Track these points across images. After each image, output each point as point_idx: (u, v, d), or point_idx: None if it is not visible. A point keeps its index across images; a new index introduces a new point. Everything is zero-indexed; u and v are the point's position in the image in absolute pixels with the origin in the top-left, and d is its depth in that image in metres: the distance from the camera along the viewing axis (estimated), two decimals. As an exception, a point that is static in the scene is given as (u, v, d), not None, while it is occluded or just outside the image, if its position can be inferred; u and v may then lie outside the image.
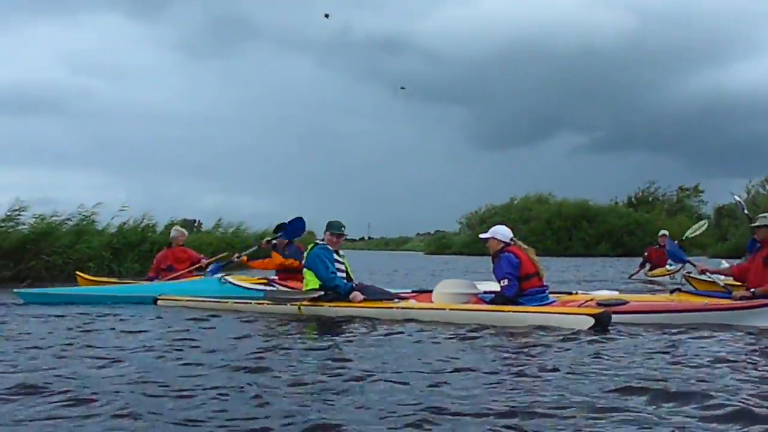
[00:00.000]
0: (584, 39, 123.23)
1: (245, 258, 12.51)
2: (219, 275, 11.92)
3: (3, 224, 17.90)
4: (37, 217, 18.64)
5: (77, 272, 14.90)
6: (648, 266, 19.44)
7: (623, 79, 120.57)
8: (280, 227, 12.54)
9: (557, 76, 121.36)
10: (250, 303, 10.15)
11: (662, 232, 19.59)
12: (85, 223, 20.23)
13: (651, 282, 18.02)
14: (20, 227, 18.20)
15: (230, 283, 11.47)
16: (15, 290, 11.71)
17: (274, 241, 12.38)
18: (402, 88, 28.27)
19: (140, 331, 8.02)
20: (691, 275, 13.58)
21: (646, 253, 19.93)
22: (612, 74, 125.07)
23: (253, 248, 12.87)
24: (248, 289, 11.20)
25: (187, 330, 8.10)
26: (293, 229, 12.45)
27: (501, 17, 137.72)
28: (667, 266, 17.94)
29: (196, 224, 26.95)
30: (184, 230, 14.78)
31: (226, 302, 10.36)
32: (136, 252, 20.29)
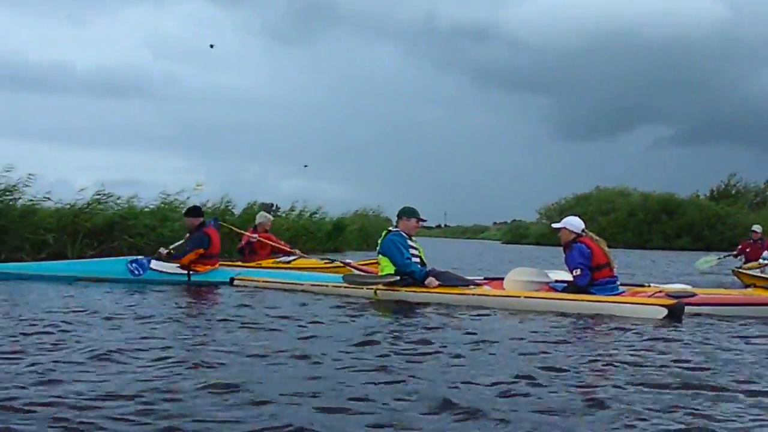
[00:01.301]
0: (674, 29, 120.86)
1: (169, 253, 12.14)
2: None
3: (89, 206, 18.48)
4: (123, 201, 19.21)
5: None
6: (743, 259, 19.09)
7: (713, 71, 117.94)
8: (190, 211, 12.42)
9: (644, 66, 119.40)
10: (327, 285, 10.35)
11: (755, 227, 19.27)
12: (166, 206, 20.72)
13: (741, 275, 17.71)
14: (104, 208, 18.74)
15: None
16: None
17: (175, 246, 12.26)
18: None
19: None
20: None
21: (739, 247, 19.58)
22: (702, 65, 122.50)
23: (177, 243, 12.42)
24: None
25: (264, 308, 8.33)
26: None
27: (590, 6, 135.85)
28: (761, 260, 17.62)
29: (273, 208, 27.28)
30: (270, 216, 15.10)
31: (302, 284, 10.58)
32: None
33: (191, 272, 11.35)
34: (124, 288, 10.26)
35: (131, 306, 8.33)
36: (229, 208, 23.73)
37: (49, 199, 17.67)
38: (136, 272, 11.23)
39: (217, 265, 11.76)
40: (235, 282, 11.11)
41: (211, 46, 24.56)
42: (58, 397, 4.06)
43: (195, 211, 12.26)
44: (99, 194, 18.84)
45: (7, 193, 16.58)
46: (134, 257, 11.76)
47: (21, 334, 6.12)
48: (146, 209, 19.98)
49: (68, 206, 18.13)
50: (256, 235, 14.14)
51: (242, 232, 15.01)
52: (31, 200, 17.05)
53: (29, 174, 16.95)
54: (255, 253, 14.03)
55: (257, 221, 14.63)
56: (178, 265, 11.35)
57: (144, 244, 18.32)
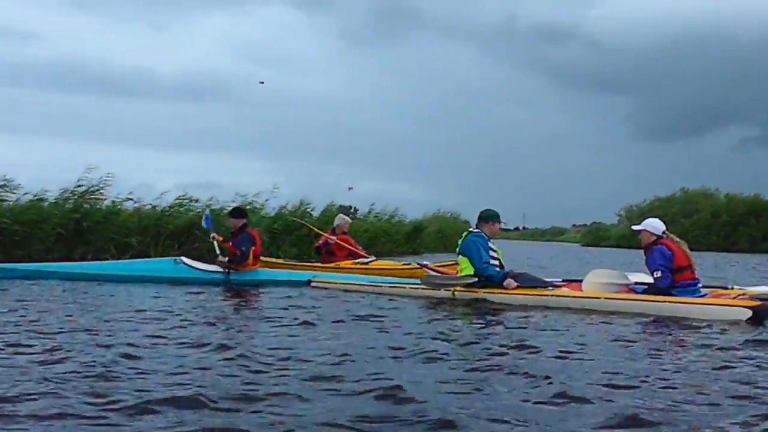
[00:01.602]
0: (761, 26, 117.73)
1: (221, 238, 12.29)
2: None
3: (171, 208, 18.91)
4: (202, 203, 19.58)
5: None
6: None
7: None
8: (234, 212, 12.57)
9: (730, 66, 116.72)
10: (405, 287, 10.41)
11: None
12: (248, 206, 21.07)
13: None
14: (185, 210, 19.15)
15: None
16: None
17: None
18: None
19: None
20: None
21: None
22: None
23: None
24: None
25: (343, 310, 8.42)
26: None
27: (674, 5, 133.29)
28: None
29: (351, 210, 27.48)
30: (348, 218, 15.26)
31: (380, 285, 10.67)
32: (294, 236, 20.91)
33: (230, 272, 11.59)
34: (174, 288, 10.52)
35: (197, 307, 8.54)
36: (308, 210, 23.96)
37: (130, 199, 18.16)
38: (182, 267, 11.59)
39: (257, 265, 11.99)
40: (312, 284, 11.24)
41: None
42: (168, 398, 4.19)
43: (239, 212, 12.45)
44: (180, 198, 19.26)
45: (90, 194, 17.07)
46: (179, 257, 12.08)
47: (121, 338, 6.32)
48: (225, 211, 20.32)
49: (150, 208, 18.57)
50: (333, 237, 14.28)
51: (320, 232, 15.22)
52: (114, 201, 17.53)
53: (108, 173, 17.47)
54: (333, 254, 14.18)
55: (336, 223, 14.81)
56: (224, 265, 11.59)
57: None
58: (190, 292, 10.05)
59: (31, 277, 11.20)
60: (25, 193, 16.37)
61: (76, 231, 16.14)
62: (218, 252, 11.87)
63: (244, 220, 12.09)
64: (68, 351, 5.33)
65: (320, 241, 14.59)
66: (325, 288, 10.97)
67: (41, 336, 6.02)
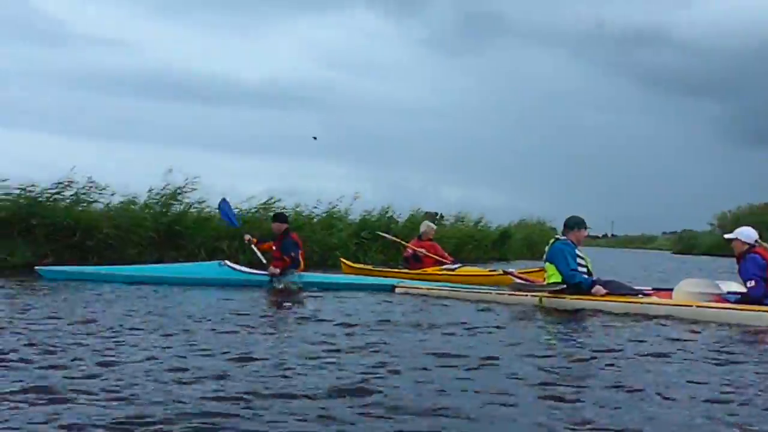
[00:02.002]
0: None
1: (255, 240, 12.63)
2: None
3: (257, 211, 19.19)
4: (289, 209, 19.83)
5: (342, 259, 15.89)
6: None
7: None
8: (274, 217, 12.80)
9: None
10: (491, 293, 10.38)
11: None
12: (332, 214, 21.27)
13: None
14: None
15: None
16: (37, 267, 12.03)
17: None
18: (314, 138, 26.58)
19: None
20: None
21: None
22: None
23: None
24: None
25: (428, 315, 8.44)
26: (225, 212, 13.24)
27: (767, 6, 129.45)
28: None
29: (437, 217, 27.46)
30: (433, 225, 15.34)
31: (465, 292, 10.66)
32: (381, 243, 21.02)
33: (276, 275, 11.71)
34: (223, 290, 10.72)
35: (268, 310, 8.65)
36: (393, 216, 24.06)
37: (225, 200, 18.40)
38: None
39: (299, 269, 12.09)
40: (397, 290, 11.29)
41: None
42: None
43: (281, 217, 12.59)
44: (266, 204, 19.48)
45: (177, 196, 17.41)
46: (223, 260, 12.26)
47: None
48: (312, 218, 20.54)
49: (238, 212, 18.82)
50: (423, 249, 14.34)
51: (406, 243, 15.30)
52: (199, 203, 17.85)
53: (191, 176, 17.81)
54: (419, 261, 14.25)
55: (421, 230, 14.92)
56: (275, 275, 11.70)
57: (312, 251, 18.87)
58: (246, 295, 10.28)
59: (85, 279, 11.48)
60: (113, 194, 16.75)
61: (168, 235, 16.48)
62: (261, 258, 12.18)
63: (287, 225, 12.29)
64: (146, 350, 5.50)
65: (409, 252, 14.66)
66: (410, 294, 10.99)
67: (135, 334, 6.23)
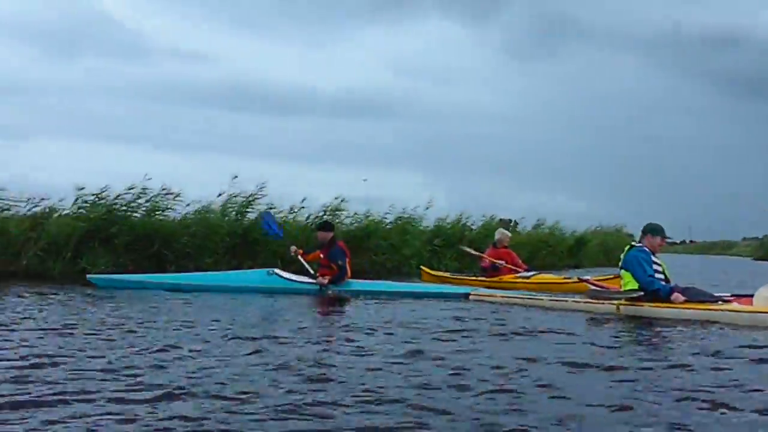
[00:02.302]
0: None
1: (301, 251, 12.65)
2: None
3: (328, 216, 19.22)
4: (363, 216, 19.90)
5: (422, 267, 15.93)
6: None
7: None
8: (319, 225, 12.82)
9: None
10: (566, 301, 10.28)
11: None
12: (405, 221, 21.26)
13: None
14: (348, 224, 19.52)
15: None
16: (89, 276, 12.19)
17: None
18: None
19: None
20: None
21: None
22: None
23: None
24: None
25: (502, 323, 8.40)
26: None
27: None
28: None
29: (512, 224, 27.32)
30: (508, 233, 15.31)
31: (541, 299, 10.57)
32: (455, 250, 20.98)
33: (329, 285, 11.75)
34: (286, 298, 10.86)
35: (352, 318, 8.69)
36: (467, 224, 24.00)
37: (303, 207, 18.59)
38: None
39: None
40: (471, 297, 11.25)
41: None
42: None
43: (327, 226, 12.64)
44: (335, 210, 19.53)
45: (251, 205, 17.61)
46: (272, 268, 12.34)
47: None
48: (384, 224, 20.52)
49: (311, 219, 18.96)
50: (502, 261, 14.32)
51: (481, 255, 15.27)
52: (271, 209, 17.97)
53: (259, 184, 17.98)
54: (497, 270, 14.28)
55: (496, 237, 14.95)
56: (324, 285, 11.75)
57: (385, 258, 18.93)
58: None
59: (135, 287, 11.70)
60: (188, 204, 17.03)
61: (243, 242, 16.67)
62: (308, 268, 12.20)
63: (333, 234, 12.33)
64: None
65: (487, 263, 14.63)
66: (484, 302, 10.95)
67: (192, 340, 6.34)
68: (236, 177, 17.56)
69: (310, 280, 11.91)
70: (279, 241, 16.39)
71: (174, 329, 7.26)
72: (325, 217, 18.57)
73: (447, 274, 15.61)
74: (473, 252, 17.04)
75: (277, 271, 12.16)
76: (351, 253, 17.97)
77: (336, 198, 19.77)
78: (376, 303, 10.54)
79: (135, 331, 7.04)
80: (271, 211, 14.19)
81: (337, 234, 11.84)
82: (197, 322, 7.79)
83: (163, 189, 16.40)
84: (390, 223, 21.03)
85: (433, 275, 15.30)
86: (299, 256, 12.43)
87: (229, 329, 7.31)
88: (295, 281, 11.97)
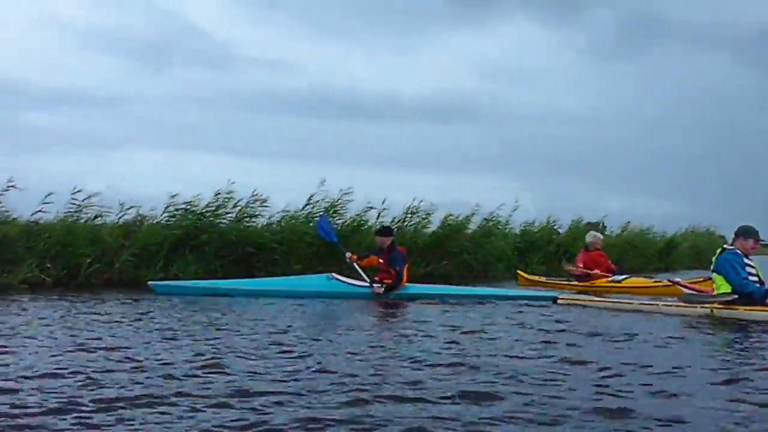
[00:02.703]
0: None
1: (356, 257, 12.56)
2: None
3: (409, 222, 19.24)
4: (444, 220, 19.76)
5: (519, 272, 15.86)
6: None
7: None
8: (379, 230, 12.80)
9: None
10: (657, 305, 10.08)
11: None
12: (491, 223, 21.06)
13: None
14: (430, 227, 19.42)
15: None
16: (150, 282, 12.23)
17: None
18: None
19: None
20: None
21: None
22: None
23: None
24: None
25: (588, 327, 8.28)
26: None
27: None
28: None
29: (599, 226, 26.89)
30: (600, 235, 15.16)
31: (631, 303, 10.41)
32: (542, 253, 20.75)
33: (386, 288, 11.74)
34: (340, 303, 10.90)
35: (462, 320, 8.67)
36: (555, 227, 23.71)
37: (371, 208, 18.59)
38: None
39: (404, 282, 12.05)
40: (559, 301, 11.10)
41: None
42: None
43: (387, 231, 12.66)
44: (413, 210, 19.43)
45: (338, 210, 17.68)
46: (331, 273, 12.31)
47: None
48: (465, 227, 20.29)
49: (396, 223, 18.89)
50: (597, 270, 14.20)
51: (579, 267, 15.08)
52: (357, 215, 18.09)
53: (347, 187, 18.07)
54: (589, 274, 14.14)
55: (588, 240, 14.84)
56: (380, 293, 11.71)
57: (471, 261, 18.80)
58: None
59: (195, 294, 11.72)
60: (279, 212, 17.20)
61: (327, 248, 16.72)
62: (363, 274, 12.19)
63: (392, 238, 12.34)
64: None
65: (578, 271, 14.47)
66: (572, 306, 10.78)
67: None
68: (324, 181, 17.67)
69: (369, 284, 11.93)
70: (362, 247, 16.50)
71: (259, 332, 7.39)
72: (407, 219, 18.61)
73: (543, 279, 15.51)
74: (573, 268, 16.88)
75: (336, 275, 12.21)
76: (434, 258, 18.16)
77: (420, 201, 19.59)
78: (462, 307, 10.46)
79: (218, 335, 7.17)
80: (326, 215, 14.16)
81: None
82: (275, 326, 7.95)
83: (254, 195, 16.61)
84: (475, 225, 20.83)
85: (529, 279, 15.24)
86: (354, 263, 12.47)
87: (292, 334, 7.41)
88: (354, 285, 12.02)
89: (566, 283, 14.43)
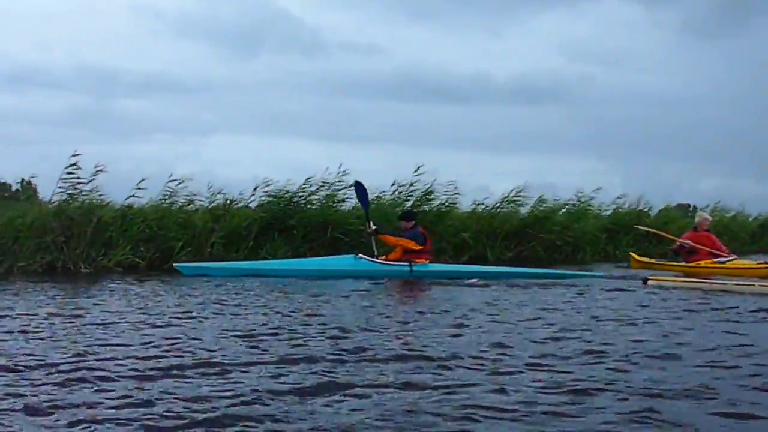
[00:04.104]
0: None
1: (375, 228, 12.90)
2: None
3: (504, 207, 19.14)
4: (538, 201, 19.57)
5: (632, 254, 15.72)
6: None
7: None
8: (402, 215, 13.28)
9: None
10: (754, 285, 9.83)
11: None
12: (581, 206, 20.80)
13: None
14: (522, 210, 19.28)
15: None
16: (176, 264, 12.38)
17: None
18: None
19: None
20: None
21: None
22: None
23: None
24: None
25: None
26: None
27: None
28: None
29: (690, 209, 26.29)
30: (708, 216, 15.10)
31: (725, 283, 10.18)
32: (632, 235, 20.39)
33: (413, 265, 12.21)
34: (373, 283, 11.15)
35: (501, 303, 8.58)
36: (644, 210, 23.28)
37: (457, 194, 18.47)
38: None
39: (427, 260, 12.48)
40: (649, 282, 10.85)
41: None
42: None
43: (410, 215, 13.17)
44: (508, 198, 19.29)
45: (427, 196, 17.66)
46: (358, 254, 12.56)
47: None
48: (557, 210, 20.05)
49: (484, 208, 18.82)
50: (689, 242, 14.19)
51: (671, 237, 15.03)
52: (445, 203, 18.05)
53: (450, 181, 18.02)
54: (696, 254, 13.97)
55: (696, 221, 14.97)
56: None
57: (560, 243, 18.59)
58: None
59: (221, 275, 11.89)
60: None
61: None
62: (374, 249, 12.69)
63: (413, 222, 12.83)
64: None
65: (675, 245, 14.52)
66: (662, 287, 10.52)
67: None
68: (422, 166, 17.77)
69: (397, 263, 12.32)
70: (450, 231, 16.45)
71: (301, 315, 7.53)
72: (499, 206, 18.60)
73: (653, 261, 15.36)
74: (651, 231, 16.67)
75: (363, 255, 12.48)
76: (523, 241, 18.00)
77: (520, 190, 19.42)
78: (556, 288, 10.37)
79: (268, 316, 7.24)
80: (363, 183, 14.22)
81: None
82: (321, 309, 8.09)
83: (341, 175, 16.73)
84: (566, 207, 20.57)
85: (641, 261, 15.11)
86: (372, 235, 12.87)
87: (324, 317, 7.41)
88: (381, 263, 12.39)
89: (674, 264, 14.47)
